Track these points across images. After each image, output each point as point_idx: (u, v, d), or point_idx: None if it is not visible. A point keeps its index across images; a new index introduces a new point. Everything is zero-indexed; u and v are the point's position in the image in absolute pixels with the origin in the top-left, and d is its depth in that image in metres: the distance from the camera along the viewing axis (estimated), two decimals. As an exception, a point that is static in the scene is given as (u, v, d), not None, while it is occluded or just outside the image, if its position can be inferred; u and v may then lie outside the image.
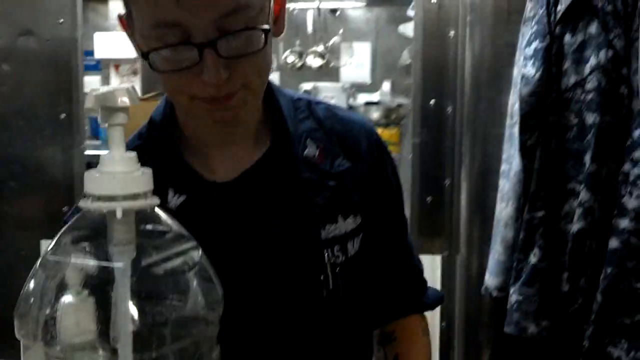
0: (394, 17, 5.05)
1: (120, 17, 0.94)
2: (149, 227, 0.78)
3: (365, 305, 1.09)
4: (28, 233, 2.25)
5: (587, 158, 1.71)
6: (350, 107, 4.86)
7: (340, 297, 1.00)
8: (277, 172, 1.00)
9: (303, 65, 5.25)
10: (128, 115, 0.73)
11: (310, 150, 1.02)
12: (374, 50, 5.14)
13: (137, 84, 4.49)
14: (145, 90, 4.25)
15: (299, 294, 0.99)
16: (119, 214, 0.71)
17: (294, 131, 1.02)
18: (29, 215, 2.28)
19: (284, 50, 5.24)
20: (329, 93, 4.91)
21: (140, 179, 0.74)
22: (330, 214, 1.01)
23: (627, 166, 1.67)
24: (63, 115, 2.25)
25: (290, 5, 5.20)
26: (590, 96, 1.69)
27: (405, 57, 4.74)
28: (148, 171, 0.75)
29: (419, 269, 1.22)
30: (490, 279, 2.00)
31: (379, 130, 4.61)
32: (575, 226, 1.73)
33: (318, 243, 0.99)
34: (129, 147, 0.99)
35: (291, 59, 5.28)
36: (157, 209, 0.78)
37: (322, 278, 0.98)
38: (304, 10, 5.19)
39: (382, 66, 5.14)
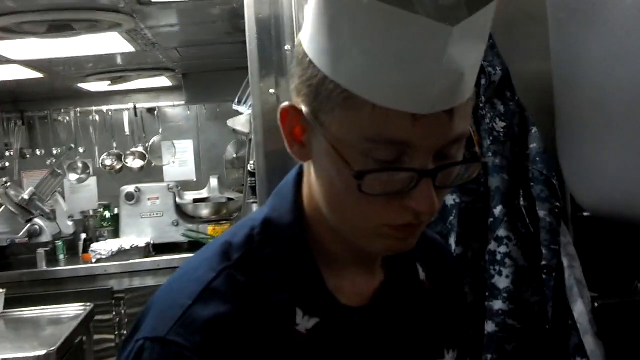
0: (214, 113, 4.93)
1: (288, 109, 0.78)
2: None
3: None
4: None
5: (452, 240, 1.62)
6: (178, 206, 4.61)
7: None
8: (403, 298, 0.90)
9: (123, 168, 4.95)
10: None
11: (421, 274, 0.93)
12: (196, 147, 4.97)
13: None
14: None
15: None
16: None
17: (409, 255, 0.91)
18: None
19: (100, 154, 4.91)
20: (153, 194, 4.64)
21: None
22: (440, 346, 0.92)
23: (492, 245, 1.60)
24: None
25: (103, 107, 4.92)
26: (447, 177, 1.62)
27: (231, 152, 4.61)
28: None
29: None
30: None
31: (210, 228, 4.45)
32: (446, 312, 1.62)
33: None
34: (234, 246, 0.83)
35: (109, 162, 4.96)
36: None
37: None
38: (120, 111, 4.92)
39: (206, 162, 4.97)
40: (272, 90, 2.03)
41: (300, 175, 0.86)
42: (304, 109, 0.76)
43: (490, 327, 1.58)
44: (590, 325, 1.53)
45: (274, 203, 0.87)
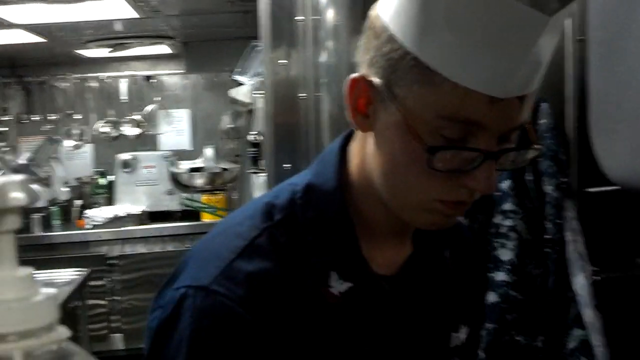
0: (211, 83, 4.91)
1: (358, 79, 0.79)
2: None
3: None
4: None
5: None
6: (173, 175, 4.62)
7: None
8: (430, 271, 0.93)
9: (119, 135, 4.93)
10: (21, 217, 0.49)
11: (446, 252, 0.95)
12: (193, 117, 4.95)
13: None
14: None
15: None
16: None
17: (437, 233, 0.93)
18: None
19: (97, 121, 4.89)
20: (149, 162, 4.63)
21: (43, 305, 0.49)
22: (456, 321, 0.95)
23: (497, 218, 1.63)
24: None
25: (101, 74, 4.89)
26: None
27: (226, 122, 4.61)
28: (51, 293, 0.50)
29: None
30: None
31: (204, 198, 4.45)
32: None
33: (447, 351, 0.93)
34: (277, 207, 0.84)
35: (105, 129, 4.93)
36: (67, 343, 0.53)
37: None
38: (117, 79, 4.89)
39: (202, 132, 4.95)
40: (283, 61, 2.03)
41: (345, 144, 0.88)
42: (376, 80, 0.76)
43: (492, 297, 1.62)
44: (590, 298, 1.57)
45: (317, 169, 0.88)
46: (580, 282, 1.57)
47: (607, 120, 0.99)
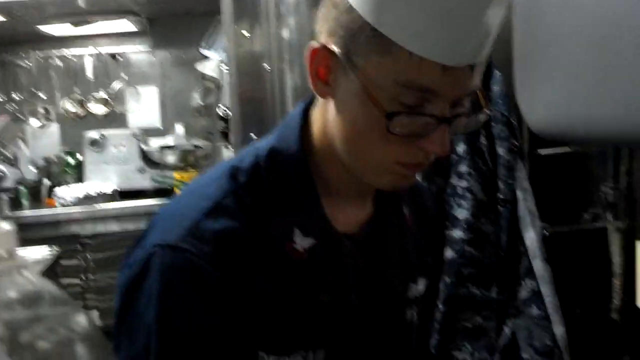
0: (179, 59, 4.97)
1: (318, 49, 0.84)
2: (17, 294, 0.66)
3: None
4: None
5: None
6: (144, 153, 4.69)
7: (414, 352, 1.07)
8: (389, 229, 1.00)
9: (86, 114, 4.98)
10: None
11: (406, 211, 1.04)
12: (161, 94, 5.02)
13: None
14: None
15: (385, 345, 1.00)
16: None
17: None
18: None
19: (62, 99, 4.93)
20: (118, 140, 4.70)
21: (4, 237, 0.62)
22: (414, 273, 1.04)
23: (454, 180, 1.77)
24: None
25: (66, 52, 4.93)
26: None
27: (197, 99, 4.69)
28: (6, 226, 0.63)
29: None
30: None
31: (177, 175, 4.54)
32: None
33: (405, 301, 1.02)
34: (241, 170, 0.90)
35: (72, 108, 4.98)
36: (25, 271, 0.66)
37: (403, 334, 1.03)
38: (82, 57, 4.94)
39: (172, 109, 5.02)
40: (245, 33, 2.14)
41: (307, 109, 0.93)
42: (336, 50, 0.82)
43: (449, 253, 1.77)
44: (540, 251, 1.72)
45: (280, 134, 0.94)
46: (530, 237, 1.73)
47: (529, 78, 1.12)
